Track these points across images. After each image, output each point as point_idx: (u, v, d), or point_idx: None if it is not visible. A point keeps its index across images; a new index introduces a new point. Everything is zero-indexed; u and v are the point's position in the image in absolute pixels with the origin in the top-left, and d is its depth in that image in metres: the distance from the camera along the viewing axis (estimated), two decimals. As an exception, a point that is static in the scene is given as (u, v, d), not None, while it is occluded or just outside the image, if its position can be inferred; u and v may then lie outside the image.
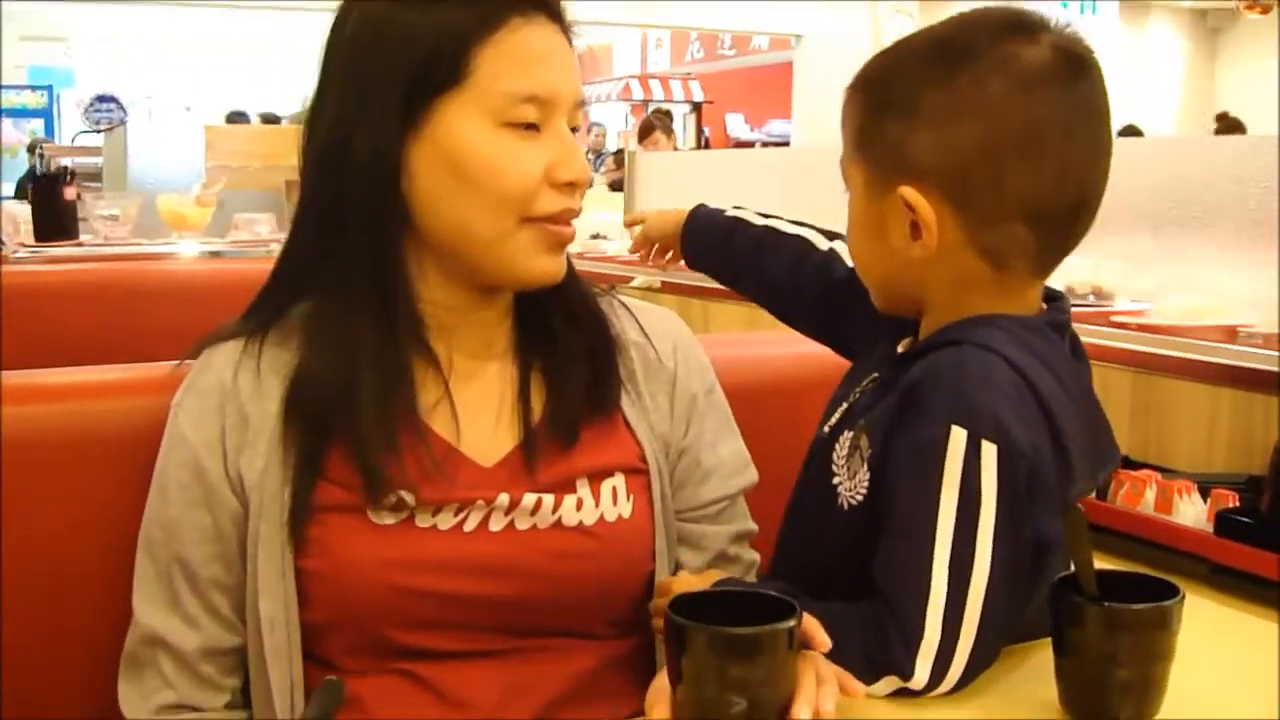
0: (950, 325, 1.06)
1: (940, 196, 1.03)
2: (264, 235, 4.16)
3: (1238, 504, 1.67)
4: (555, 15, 1.11)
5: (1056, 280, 1.11)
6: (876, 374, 1.13)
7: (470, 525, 1.10)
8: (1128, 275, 2.43)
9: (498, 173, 1.07)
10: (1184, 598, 0.93)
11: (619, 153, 10.94)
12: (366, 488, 1.07)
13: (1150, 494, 1.73)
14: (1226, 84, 16.06)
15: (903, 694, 0.99)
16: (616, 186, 6.84)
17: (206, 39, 14.23)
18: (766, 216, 1.36)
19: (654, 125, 8.27)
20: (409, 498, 1.08)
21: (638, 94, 15.37)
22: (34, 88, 13.97)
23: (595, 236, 4.71)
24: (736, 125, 15.70)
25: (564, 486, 1.13)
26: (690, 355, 1.25)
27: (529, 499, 1.11)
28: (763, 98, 15.24)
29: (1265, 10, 10.99)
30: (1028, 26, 1.04)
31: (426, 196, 1.08)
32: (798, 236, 1.32)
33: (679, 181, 4.67)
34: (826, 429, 1.15)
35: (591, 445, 1.15)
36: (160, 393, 1.17)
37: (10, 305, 2.52)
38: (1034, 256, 1.05)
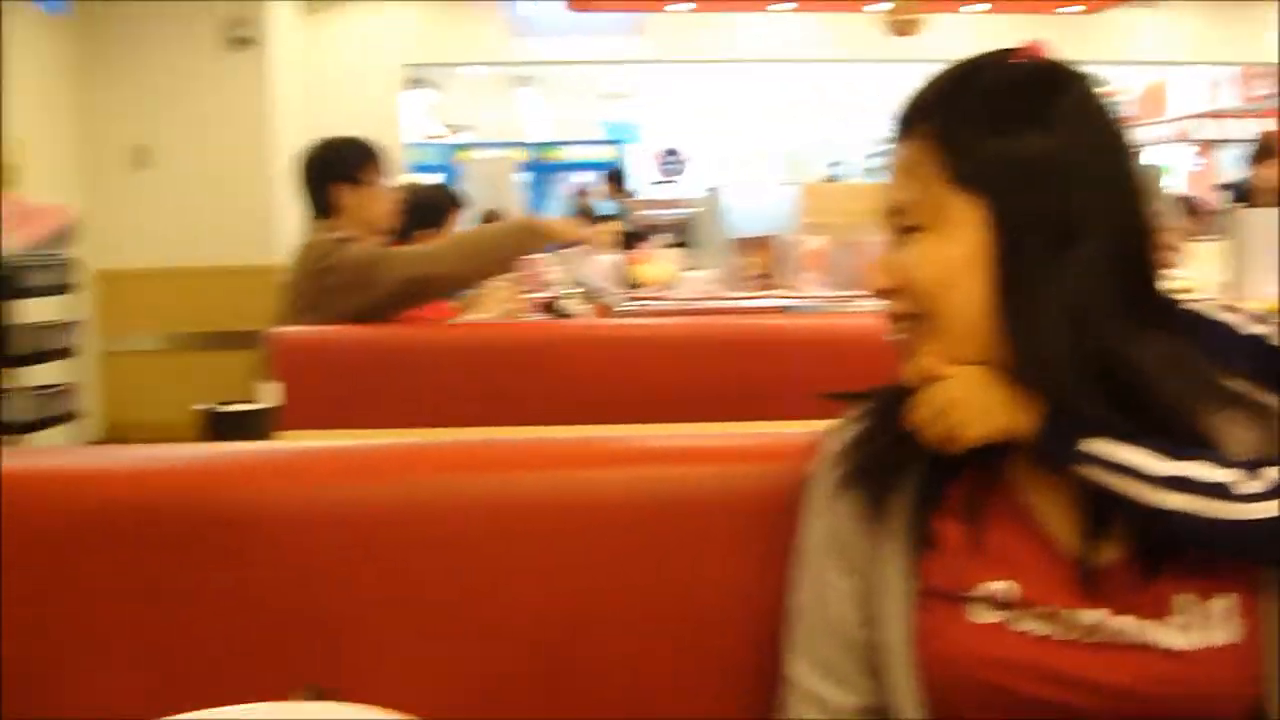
0: None
1: None
2: (706, 292, 4.31)
3: None
4: None
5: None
6: None
7: (1061, 636, 1.05)
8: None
9: None
10: None
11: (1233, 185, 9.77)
12: (967, 574, 1.07)
13: None
14: None
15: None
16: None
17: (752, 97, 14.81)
18: None
19: (1274, 146, 6.70)
20: (1007, 590, 1.06)
21: (1201, 133, 14.42)
22: (608, 142, 14.94)
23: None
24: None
25: (1163, 607, 1.04)
26: None
27: (1122, 620, 1.04)
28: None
29: None
30: None
31: None
32: None
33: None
34: None
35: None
36: (795, 459, 1.22)
37: (611, 355, 2.77)
38: None
